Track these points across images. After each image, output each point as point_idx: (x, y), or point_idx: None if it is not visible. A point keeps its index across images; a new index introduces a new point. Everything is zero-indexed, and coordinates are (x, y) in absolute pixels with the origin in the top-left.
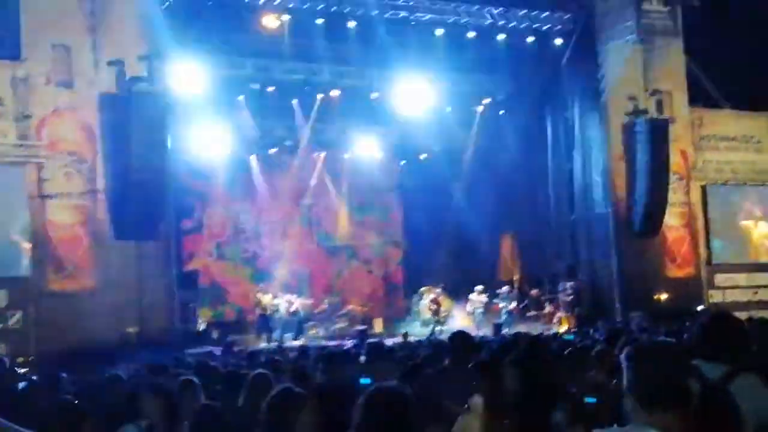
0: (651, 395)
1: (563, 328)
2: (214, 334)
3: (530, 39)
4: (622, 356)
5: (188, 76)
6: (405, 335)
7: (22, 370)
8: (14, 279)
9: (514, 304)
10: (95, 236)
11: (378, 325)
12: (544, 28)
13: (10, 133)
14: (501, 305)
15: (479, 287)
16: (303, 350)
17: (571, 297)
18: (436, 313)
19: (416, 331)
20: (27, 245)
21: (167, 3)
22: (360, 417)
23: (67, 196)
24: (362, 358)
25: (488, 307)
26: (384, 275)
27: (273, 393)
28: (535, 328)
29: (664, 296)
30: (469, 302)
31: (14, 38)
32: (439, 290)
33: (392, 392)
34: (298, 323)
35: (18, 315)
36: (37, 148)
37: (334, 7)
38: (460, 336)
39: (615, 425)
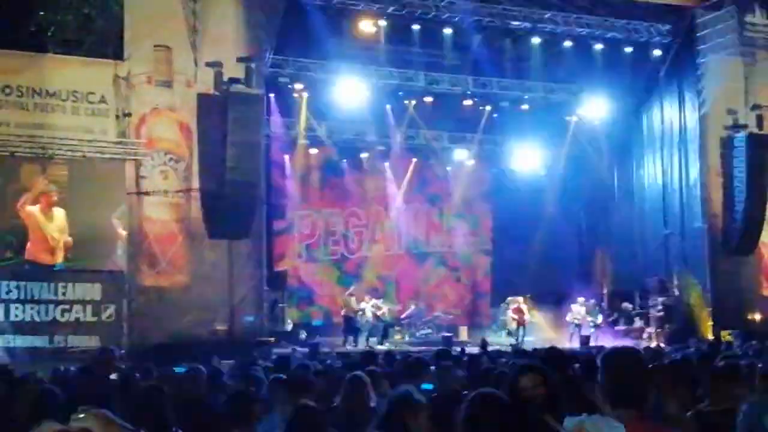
0: (615, 394)
1: (653, 345)
2: (302, 335)
3: (628, 49)
4: (599, 359)
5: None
6: (483, 343)
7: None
8: (109, 273)
9: (600, 318)
10: (189, 233)
11: (463, 333)
12: (643, 38)
13: (110, 130)
14: (588, 318)
15: (581, 299)
16: (389, 355)
17: (662, 313)
18: (519, 322)
19: (500, 340)
20: (124, 240)
21: (266, 6)
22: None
23: (163, 194)
24: (432, 367)
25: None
26: (472, 283)
27: (394, 394)
28: (623, 343)
29: (758, 316)
30: (570, 313)
31: (118, 38)
32: (521, 299)
33: (494, 397)
34: (384, 328)
35: (111, 309)
36: (136, 146)
37: (431, 14)
38: (551, 351)
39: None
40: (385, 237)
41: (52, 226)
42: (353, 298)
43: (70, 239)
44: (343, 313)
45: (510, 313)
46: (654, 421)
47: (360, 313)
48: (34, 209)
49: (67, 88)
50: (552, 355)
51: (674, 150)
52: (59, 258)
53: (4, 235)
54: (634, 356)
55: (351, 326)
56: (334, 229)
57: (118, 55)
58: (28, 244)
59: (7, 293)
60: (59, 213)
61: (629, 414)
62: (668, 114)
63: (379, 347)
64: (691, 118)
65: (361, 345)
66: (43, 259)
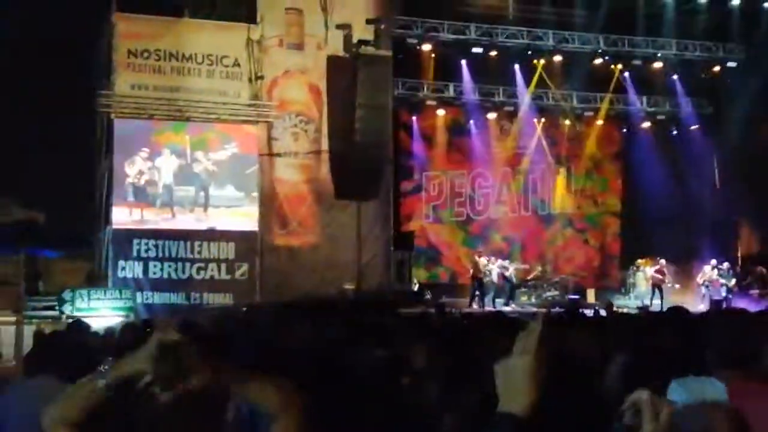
0: (721, 355)
1: None
2: (427, 295)
3: (767, 4)
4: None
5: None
6: (609, 305)
7: None
8: (242, 233)
9: (733, 282)
10: (318, 194)
11: (591, 296)
12: None
13: (243, 92)
14: (721, 281)
15: (713, 261)
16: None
17: None
18: (658, 284)
19: (630, 303)
20: (255, 200)
21: None
22: None
23: (293, 155)
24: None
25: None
26: (600, 246)
27: None
28: (758, 307)
29: None
30: (702, 274)
31: (251, 1)
32: (663, 261)
33: None
34: (510, 289)
35: (245, 267)
36: (268, 108)
37: None
38: (676, 310)
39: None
40: (511, 198)
41: None
42: (482, 259)
43: None
44: (471, 273)
45: (649, 272)
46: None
47: (486, 274)
48: None
49: (203, 52)
50: (675, 315)
51: None
52: None
53: None
54: (741, 317)
55: (479, 287)
56: (461, 191)
57: (251, 18)
58: None
59: (146, 251)
60: None
61: (735, 374)
62: None
63: (505, 308)
64: None
65: (488, 306)
66: None
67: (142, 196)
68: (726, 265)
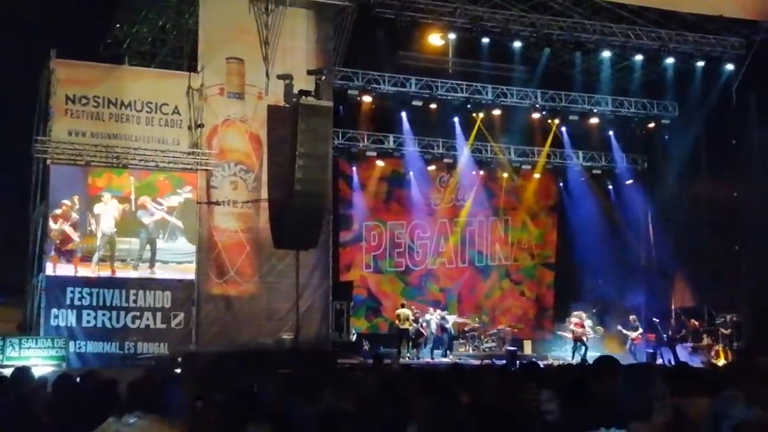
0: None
1: (720, 362)
2: (365, 346)
3: (700, 63)
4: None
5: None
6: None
7: (178, 370)
8: (179, 281)
9: (635, 334)
10: (257, 243)
11: (528, 347)
12: (715, 52)
13: (182, 140)
14: (624, 331)
15: (578, 312)
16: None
17: (731, 330)
18: (577, 337)
19: (566, 354)
20: (193, 249)
21: (336, 20)
22: None
23: (232, 204)
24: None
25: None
26: (536, 297)
27: None
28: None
29: None
30: (568, 326)
31: (191, 51)
32: (581, 313)
33: None
34: (448, 340)
35: (181, 316)
36: (207, 156)
37: (501, 27)
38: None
39: None
40: (449, 249)
41: None
42: (405, 310)
43: None
44: (405, 325)
45: (571, 327)
46: None
47: (425, 324)
48: None
49: (142, 99)
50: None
51: (747, 164)
52: None
53: None
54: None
55: (404, 337)
56: (400, 241)
57: (191, 67)
58: None
59: (80, 299)
60: None
61: (641, 427)
62: (740, 128)
63: (443, 360)
64: (764, 133)
65: (426, 357)
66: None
67: (70, 253)
68: (632, 317)
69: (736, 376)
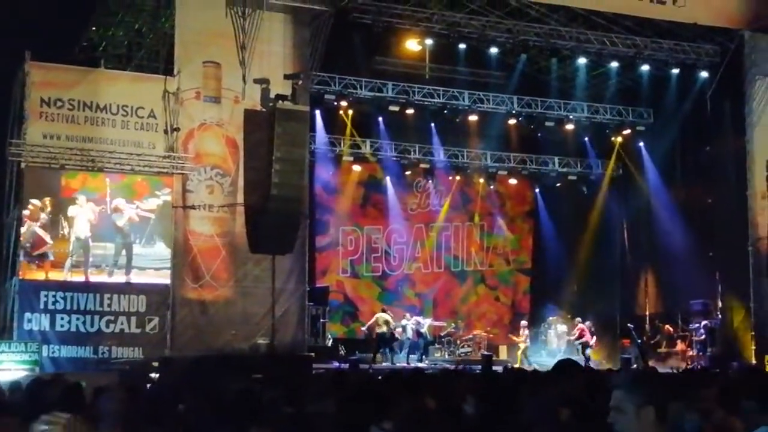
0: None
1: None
2: (342, 351)
3: (675, 70)
4: None
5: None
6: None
7: (154, 375)
8: (154, 286)
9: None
10: (233, 248)
11: (503, 352)
12: (690, 60)
13: (158, 144)
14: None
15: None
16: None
17: (704, 336)
18: (584, 344)
19: (542, 360)
20: (168, 254)
21: (313, 24)
22: None
23: (208, 208)
24: None
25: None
26: (511, 303)
27: None
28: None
29: None
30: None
31: (168, 54)
32: (584, 322)
33: None
34: (424, 345)
35: (156, 321)
36: (183, 160)
37: (477, 33)
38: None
39: None
40: (425, 255)
41: None
42: (384, 314)
43: None
44: (381, 330)
45: (561, 330)
46: None
47: (400, 329)
48: None
49: (117, 102)
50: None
51: (720, 171)
52: None
53: None
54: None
55: (380, 342)
56: (377, 246)
57: (167, 70)
58: None
59: (54, 303)
60: None
61: None
62: (714, 135)
63: (419, 365)
64: (738, 139)
65: (402, 362)
66: None
67: (41, 257)
68: (588, 323)
69: (710, 381)
